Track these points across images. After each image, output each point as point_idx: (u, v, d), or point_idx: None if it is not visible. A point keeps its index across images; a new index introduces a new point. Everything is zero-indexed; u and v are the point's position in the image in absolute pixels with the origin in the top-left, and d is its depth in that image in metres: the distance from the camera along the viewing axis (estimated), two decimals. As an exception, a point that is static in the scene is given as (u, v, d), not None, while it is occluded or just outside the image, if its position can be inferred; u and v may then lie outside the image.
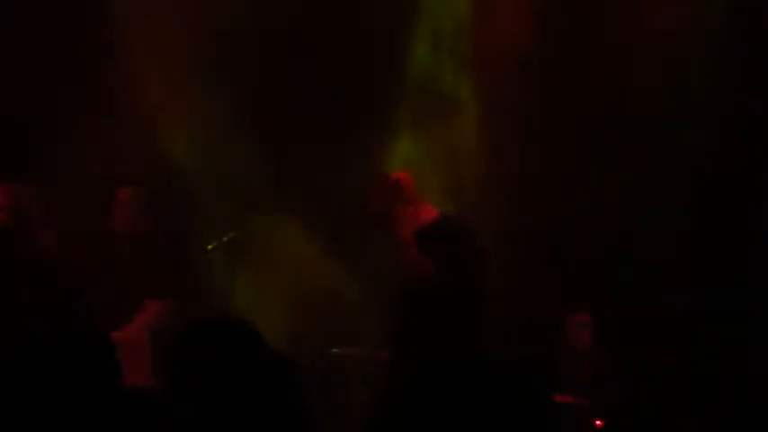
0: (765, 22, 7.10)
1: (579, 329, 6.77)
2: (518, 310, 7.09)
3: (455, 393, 2.17)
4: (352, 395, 6.82)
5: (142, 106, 7.41)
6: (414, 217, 6.02)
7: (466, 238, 6.03)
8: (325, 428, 3.13)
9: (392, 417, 2.20)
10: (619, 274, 7.16)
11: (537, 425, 2.18)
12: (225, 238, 6.83)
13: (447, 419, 2.15)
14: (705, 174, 7.11)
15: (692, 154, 7.09)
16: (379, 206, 6.02)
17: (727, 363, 6.72)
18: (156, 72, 7.48)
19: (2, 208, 6.34)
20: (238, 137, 7.51)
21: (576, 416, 6.02)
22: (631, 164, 7.22)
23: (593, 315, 6.81)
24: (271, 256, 7.57)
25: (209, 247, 6.82)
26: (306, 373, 3.08)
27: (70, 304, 6.28)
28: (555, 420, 2.22)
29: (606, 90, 7.25)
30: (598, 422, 6.12)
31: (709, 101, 7.08)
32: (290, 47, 7.72)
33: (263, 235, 7.52)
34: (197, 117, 7.56)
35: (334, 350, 7.25)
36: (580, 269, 7.26)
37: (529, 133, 7.38)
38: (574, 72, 7.35)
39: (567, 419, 6.00)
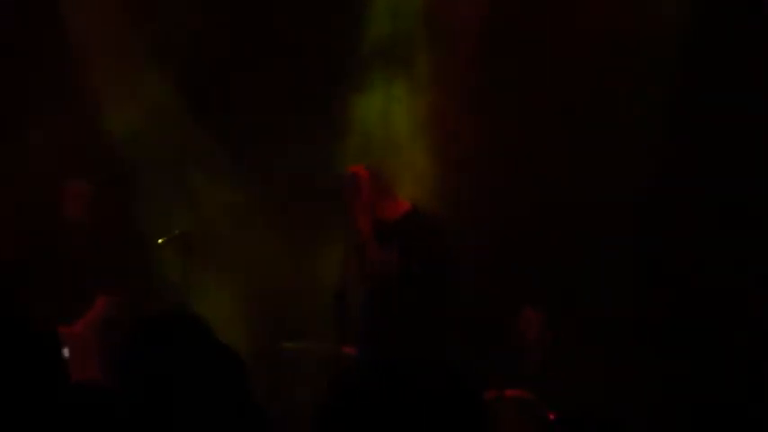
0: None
1: (531, 324, 6.78)
2: (472, 305, 7.09)
3: (397, 391, 2.19)
4: (309, 391, 6.79)
5: (89, 99, 7.36)
6: (383, 210, 6.02)
7: (436, 231, 6.04)
8: (280, 424, 3.09)
9: (341, 412, 2.24)
10: (573, 270, 7.16)
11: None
12: (176, 232, 6.79)
13: (389, 416, 2.17)
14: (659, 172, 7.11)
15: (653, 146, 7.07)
16: (345, 200, 6.03)
17: (681, 360, 6.76)
18: (105, 64, 7.43)
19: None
20: (192, 124, 7.47)
21: (527, 410, 6.03)
22: (583, 152, 7.19)
23: (546, 310, 6.81)
24: (225, 250, 7.53)
25: (160, 240, 6.78)
26: (260, 368, 3.04)
27: (16, 300, 6.21)
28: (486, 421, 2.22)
29: (564, 66, 7.19)
30: (551, 416, 6.12)
31: (666, 84, 7.06)
32: (244, 18, 7.65)
33: (218, 228, 7.49)
34: (149, 107, 7.51)
35: (290, 345, 7.21)
36: (533, 262, 7.25)
37: (483, 109, 7.33)
38: (531, 46, 7.30)
39: (518, 413, 6.01)
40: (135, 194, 7.47)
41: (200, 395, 2.87)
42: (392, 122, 7.37)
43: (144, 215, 7.35)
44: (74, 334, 6.35)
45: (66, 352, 3.13)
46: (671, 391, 6.72)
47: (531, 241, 7.29)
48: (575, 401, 6.09)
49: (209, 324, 3.01)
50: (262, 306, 7.42)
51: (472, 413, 2.22)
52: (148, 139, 7.48)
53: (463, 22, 7.35)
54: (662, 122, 7.05)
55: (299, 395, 6.75)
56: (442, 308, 5.99)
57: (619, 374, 6.72)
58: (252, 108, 7.59)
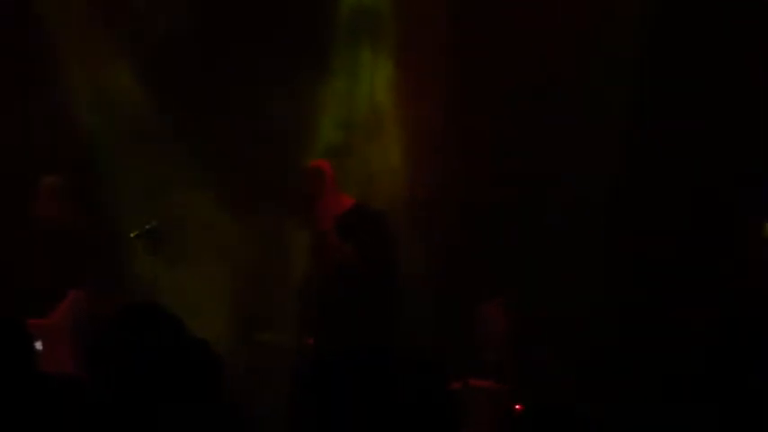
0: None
1: (497, 316, 6.83)
2: (439, 296, 7.14)
3: (359, 378, 2.23)
4: (277, 381, 6.83)
5: (60, 97, 7.38)
6: (332, 205, 6.12)
7: (379, 226, 6.14)
8: (251, 414, 3.14)
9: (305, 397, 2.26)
10: (538, 261, 7.21)
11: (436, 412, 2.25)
12: (148, 226, 6.81)
13: (352, 402, 2.21)
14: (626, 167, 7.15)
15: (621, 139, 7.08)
16: (310, 195, 6.11)
17: (645, 353, 6.84)
18: (77, 61, 7.44)
19: None
20: (162, 120, 7.49)
21: (494, 400, 6.10)
22: (552, 147, 7.23)
23: (512, 302, 6.87)
24: (196, 243, 7.55)
25: (133, 234, 6.81)
26: (229, 359, 3.08)
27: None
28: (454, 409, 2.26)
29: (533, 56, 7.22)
30: (517, 406, 6.20)
31: (635, 75, 7.07)
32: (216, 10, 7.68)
33: (189, 220, 7.52)
34: (120, 103, 7.53)
35: (260, 336, 7.26)
36: (499, 253, 7.30)
37: (452, 99, 7.36)
38: (495, 32, 7.32)
39: (486, 404, 6.08)
40: (106, 190, 7.49)
41: (176, 388, 2.88)
42: (367, 108, 7.40)
43: (115, 210, 7.38)
44: (47, 327, 6.37)
45: (38, 345, 3.16)
46: (634, 382, 6.78)
47: (498, 233, 7.34)
48: (539, 392, 6.18)
49: (179, 316, 3.07)
50: (230, 301, 7.45)
51: (438, 399, 2.26)
52: (119, 136, 7.51)
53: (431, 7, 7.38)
54: (632, 115, 7.03)
55: (269, 386, 6.80)
56: (391, 296, 6.11)
57: (583, 366, 6.79)
58: (224, 102, 7.62)
